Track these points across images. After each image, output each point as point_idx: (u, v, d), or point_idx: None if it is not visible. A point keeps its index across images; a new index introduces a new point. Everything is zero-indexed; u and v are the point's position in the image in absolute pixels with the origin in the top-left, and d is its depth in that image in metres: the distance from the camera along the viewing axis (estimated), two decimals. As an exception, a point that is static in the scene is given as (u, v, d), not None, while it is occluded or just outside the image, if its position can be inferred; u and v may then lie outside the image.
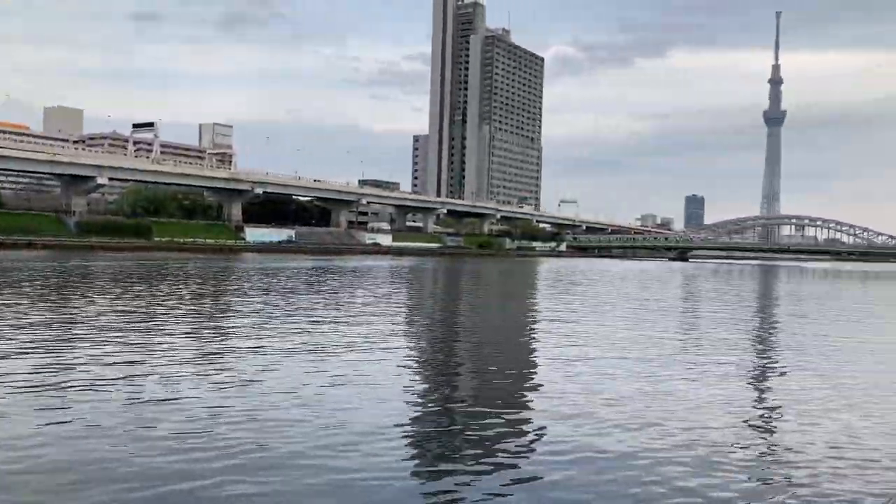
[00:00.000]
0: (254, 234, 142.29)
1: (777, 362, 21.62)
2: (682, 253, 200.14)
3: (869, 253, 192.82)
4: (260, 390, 13.77)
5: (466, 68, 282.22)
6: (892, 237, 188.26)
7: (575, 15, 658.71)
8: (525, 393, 15.27)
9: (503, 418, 12.61)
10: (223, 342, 20.28)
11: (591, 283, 66.51)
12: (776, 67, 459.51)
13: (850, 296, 62.97)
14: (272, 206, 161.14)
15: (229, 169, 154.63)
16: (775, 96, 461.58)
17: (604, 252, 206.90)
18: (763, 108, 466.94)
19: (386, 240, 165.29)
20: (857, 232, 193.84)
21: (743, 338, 27.47)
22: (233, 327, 24.02)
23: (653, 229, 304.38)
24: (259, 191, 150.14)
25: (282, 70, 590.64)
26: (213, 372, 15.47)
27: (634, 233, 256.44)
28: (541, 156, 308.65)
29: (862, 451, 11.03)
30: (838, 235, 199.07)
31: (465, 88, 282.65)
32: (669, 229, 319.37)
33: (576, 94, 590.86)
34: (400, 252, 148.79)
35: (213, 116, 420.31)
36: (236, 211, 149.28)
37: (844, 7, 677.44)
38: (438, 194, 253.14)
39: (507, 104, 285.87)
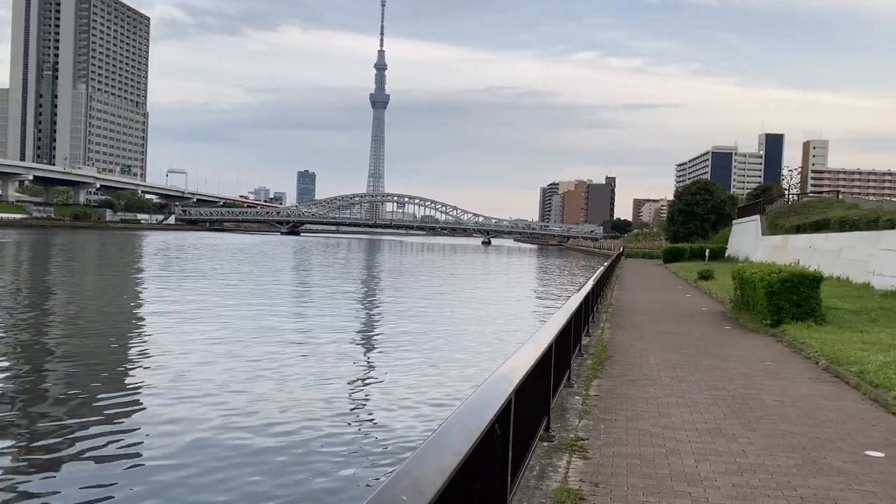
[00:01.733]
0: None
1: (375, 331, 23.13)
2: (294, 227, 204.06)
3: (457, 229, 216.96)
4: None
5: (57, 18, 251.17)
6: (475, 215, 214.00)
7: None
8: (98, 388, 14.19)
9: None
10: None
11: (197, 258, 64.34)
12: (381, 53, 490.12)
13: (441, 266, 70.18)
14: None
15: None
16: (380, 80, 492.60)
17: (216, 225, 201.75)
18: (370, 90, 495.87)
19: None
20: (448, 210, 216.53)
21: (344, 311, 28.86)
22: None
23: (266, 203, 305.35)
24: None
25: None
26: None
27: (247, 206, 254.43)
28: (147, 122, 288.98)
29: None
30: (433, 213, 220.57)
31: (57, 41, 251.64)
32: (281, 203, 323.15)
33: (185, 60, 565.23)
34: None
35: None
36: None
37: (446, 3, 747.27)
38: (23, 158, 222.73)
39: (107, 63, 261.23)
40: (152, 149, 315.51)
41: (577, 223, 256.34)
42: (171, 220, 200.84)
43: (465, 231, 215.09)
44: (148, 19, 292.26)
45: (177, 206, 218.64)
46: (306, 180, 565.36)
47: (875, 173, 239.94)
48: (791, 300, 17.10)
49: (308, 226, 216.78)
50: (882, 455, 7.24)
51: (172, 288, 35.35)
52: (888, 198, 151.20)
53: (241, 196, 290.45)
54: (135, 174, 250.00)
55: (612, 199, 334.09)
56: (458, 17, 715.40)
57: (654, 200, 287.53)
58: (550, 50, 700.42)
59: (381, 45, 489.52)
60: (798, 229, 42.47)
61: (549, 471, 6.30)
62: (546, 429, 7.24)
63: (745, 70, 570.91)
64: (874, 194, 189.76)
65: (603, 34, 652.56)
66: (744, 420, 8.54)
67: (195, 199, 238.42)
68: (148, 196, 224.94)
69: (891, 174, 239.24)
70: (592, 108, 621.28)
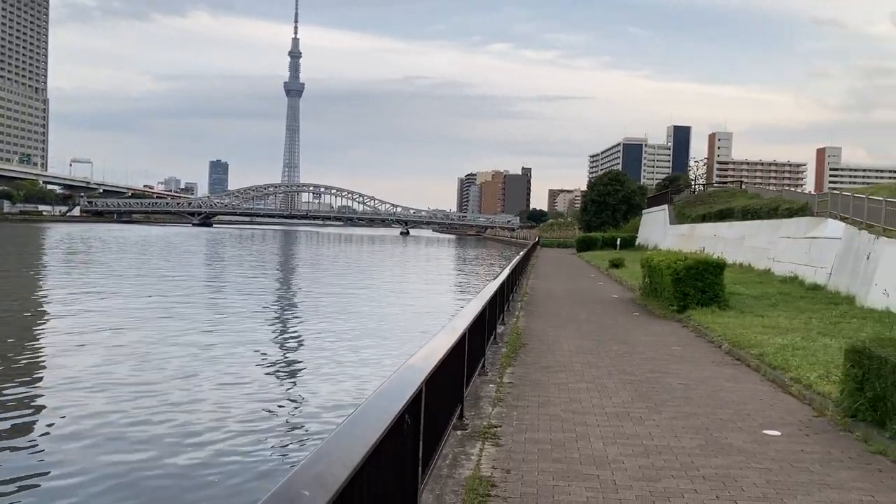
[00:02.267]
0: None
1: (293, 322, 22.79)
2: (206, 218, 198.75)
3: (375, 219, 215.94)
4: None
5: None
6: (393, 205, 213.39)
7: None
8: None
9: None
10: None
11: (101, 251, 62.03)
12: (296, 41, 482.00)
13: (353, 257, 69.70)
14: None
15: None
16: (294, 69, 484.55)
17: (124, 217, 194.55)
18: (284, 79, 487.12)
19: None
20: (365, 200, 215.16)
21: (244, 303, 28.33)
22: None
23: (177, 194, 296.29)
24: None
25: None
26: None
27: (157, 197, 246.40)
28: (48, 109, 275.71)
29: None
30: (350, 203, 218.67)
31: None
32: (193, 194, 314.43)
33: (89, 45, 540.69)
34: None
35: None
36: None
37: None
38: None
39: (1, 46, 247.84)
40: (54, 137, 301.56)
41: (494, 213, 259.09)
42: (76, 211, 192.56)
43: (383, 222, 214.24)
44: (47, 0, 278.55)
45: (82, 197, 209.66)
46: (219, 170, 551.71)
47: (776, 164, 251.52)
48: (696, 287, 17.76)
49: (221, 217, 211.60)
50: (779, 434, 7.60)
51: (70, 283, 33.95)
52: (787, 187, 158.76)
53: (146, 186, 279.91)
54: (35, 164, 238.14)
55: (529, 189, 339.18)
56: (374, 5, 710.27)
57: (569, 191, 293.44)
58: (466, 41, 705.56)
59: (296, 32, 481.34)
60: (704, 218, 44.10)
61: (462, 459, 6.34)
62: (460, 417, 7.29)
63: (654, 64, 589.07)
64: (775, 184, 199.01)
65: (518, 26, 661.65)
66: (650, 403, 8.81)
67: (102, 190, 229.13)
68: (50, 187, 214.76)
69: (790, 165, 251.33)
70: (508, 99, 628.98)
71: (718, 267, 18.22)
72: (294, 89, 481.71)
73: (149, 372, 14.98)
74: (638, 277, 24.59)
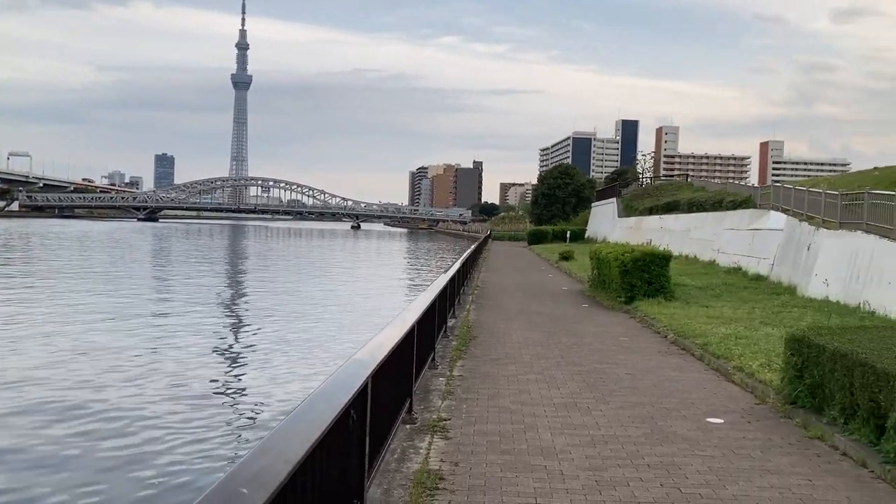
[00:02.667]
0: None
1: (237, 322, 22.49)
2: (151, 213, 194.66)
3: (325, 213, 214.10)
4: None
5: None
6: (344, 199, 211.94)
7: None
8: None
9: None
10: None
11: (39, 248, 60.31)
12: (243, 32, 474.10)
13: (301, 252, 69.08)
14: None
15: None
16: (242, 61, 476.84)
17: (66, 212, 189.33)
18: (231, 71, 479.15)
19: None
20: (315, 194, 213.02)
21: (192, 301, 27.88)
22: None
23: (121, 188, 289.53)
24: None
25: None
26: None
27: (101, 191, 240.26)
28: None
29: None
30: (300, 197, 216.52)
31: None
32: (138, 188, 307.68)
33: (25, 34, 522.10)
34: None
35: None
36: None
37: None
38: None
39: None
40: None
41: (446, 207, 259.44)
42: (15, 206, 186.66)
43: (333, 216, 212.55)
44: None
45: (20, 191, 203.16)
46: (165, 164, 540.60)
47: (721, 157, 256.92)
48: (643, 278, 18.04)
49: (167, 211, 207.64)
50: (721, 421, 7.76)
51: (6, 280, 32.95)
52: (732, 180, 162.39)
53: (85, 179, 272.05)
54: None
55: (480, 182, 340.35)
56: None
57: (520, 184, 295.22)
58: (416, 33, 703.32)
59: (243, 24, 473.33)
60: (651, 211, 44.81)
61: (411, 452, 6.33)
62: (409, 411, 7.26)
63: (601, 59, 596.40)
64: (720, 177, 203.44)
65: (467, 19, 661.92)
66: (598, 394, 8.92)
67: (41, 184, 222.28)
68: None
69: (735, 158, 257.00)
70: (458, 92, 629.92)
71: (664, 259, 18.54)
72: (241, 81, 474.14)
73: (84, 371, 14.61)
74: (587, 270, 24.89)
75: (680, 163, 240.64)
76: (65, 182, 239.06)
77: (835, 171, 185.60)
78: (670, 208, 40.75)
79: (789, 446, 6.90)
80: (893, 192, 16.72)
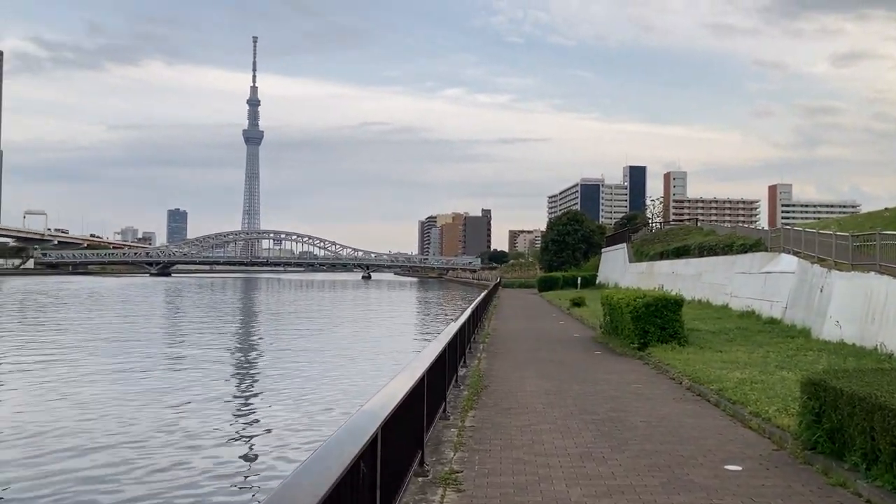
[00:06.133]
0: None
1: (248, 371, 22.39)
2: (164, 267, 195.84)
3: (336, 264, 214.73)
4: None
5: None
6: (354, 250, 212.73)
7: (36, 11, 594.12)
8: None
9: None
10: None
11: (54, 306, 60.67)
12: (254, 89, 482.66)
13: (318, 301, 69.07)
14: None
15: None
16: (253, 116, 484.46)
17: (79, 269, 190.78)
18: (243, 126, 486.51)
19: None
20: (326, 245, 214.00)
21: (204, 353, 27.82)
22: None
23: (134, 244, 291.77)
24: None
25: None
26: None
27: (113, 247, 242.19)
28: (1, 161, 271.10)
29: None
30: (311, 248, 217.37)
31: None
32: (150, 244, 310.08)
33: (40, 95, 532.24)
34: None
35: None
36: None
37: (315, 39, 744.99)
38: None
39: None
40: (7, 189, 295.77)
41: (455, 255, 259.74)
42: (30, 264, 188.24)
43: (344, 266, 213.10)
44: (0, 53, 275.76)
45: (36, 249, 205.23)
46: (177, 219, 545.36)
47: (730, 201, 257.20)
48: (655, 323, 17.90)
49: (180, 266, 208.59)
50: (740, 468, 7.60)
51: (18, 339, 33.05)
52: (742, 223, 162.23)
53: (92, 235, 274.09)
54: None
55: (489, 230, 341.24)
56: (327, 53, 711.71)
57: (529, 231, 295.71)
58: (420, 86, 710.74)
59: (254, 81, 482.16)
60: (662, 255, 44.71)
61: (423, 506, 6.21)
62: (420, 463, 7.16)
63: (603, 106, 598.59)
64: (729, 221, 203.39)
65: (469, 71, 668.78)
66: (613, 442, 8.78)
67: (56, 242, 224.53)
68: (3, 240, 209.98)
69: (744, 202, 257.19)
70: (465, 142, 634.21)
71: (677, 303, 18.42)
72: (253, 137, 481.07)
73: (94, 423, 14.53)
74: (599, 316, 24.73)
75: (689, 207, 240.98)
76: (78, 239, 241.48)
77: (844, 212, 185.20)
78: (681, 253, 40.65)
79: (811, 494, 6.74)
80: (905, 232, 16.63)
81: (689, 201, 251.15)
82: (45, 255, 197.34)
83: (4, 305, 57.74)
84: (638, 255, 52.03)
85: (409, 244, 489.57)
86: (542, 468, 7.59)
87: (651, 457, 8.08)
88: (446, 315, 52.34)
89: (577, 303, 37.17)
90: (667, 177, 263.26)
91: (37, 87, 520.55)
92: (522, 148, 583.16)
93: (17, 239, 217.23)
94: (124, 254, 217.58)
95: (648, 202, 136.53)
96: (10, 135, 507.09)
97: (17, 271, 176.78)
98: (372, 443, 4.12)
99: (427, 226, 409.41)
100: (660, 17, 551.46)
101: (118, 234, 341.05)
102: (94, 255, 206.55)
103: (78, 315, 46.63)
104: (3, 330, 36.83)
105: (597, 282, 62.14)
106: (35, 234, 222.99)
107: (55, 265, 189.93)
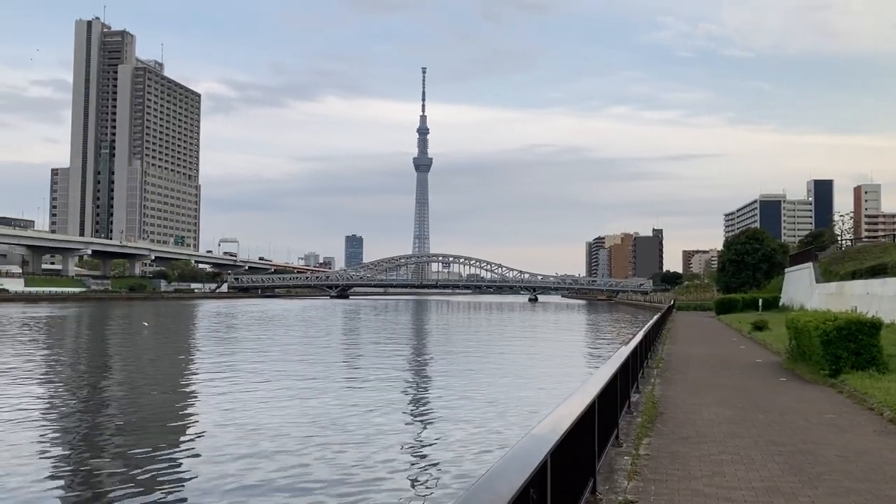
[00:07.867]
0: None
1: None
2: (343, 290, 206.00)
3: (503, 286, 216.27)
4: None
5: (114, 99, 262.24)
6: (521, 272, 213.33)
7: (225, 54, 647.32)
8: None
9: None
10: None
11: (245, 326, 65.09)
12: (423, 118, 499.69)
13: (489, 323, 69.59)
14: None
15: None
16: (423, 144, 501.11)
17: (267, 292, 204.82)
18: (413, 154, 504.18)
19: (16, 284, 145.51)
20: (492, 268, 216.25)
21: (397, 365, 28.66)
22: None
23: (315, 268, 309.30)
24: None
25: None
26: None
27: (297, 272, 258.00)
28: (199, 194, 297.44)
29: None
30: (478, 271, 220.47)
31: (114, 121, 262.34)
32: (330, 268, 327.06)
33: (231, 133, 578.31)
34: (35, 298, 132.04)
35: None
36: None
37: (480, 65, 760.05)
38: (82, 233, 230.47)
39: (161, 139, 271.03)
40: (204, 219, 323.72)
41: (625, 277, 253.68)
42: (224, 288, 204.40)
43: (511, 289, 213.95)
44: (198, 96, 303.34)
45: (229, 274, 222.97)
46: (354, 244, 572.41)
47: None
48: (849, 348, 16.44)
49: (356, 288, 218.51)
50: (957, 512, 6.76)
51: (221, 352, 35.70)
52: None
53: (291, 262, 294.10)
54: (188, 245, 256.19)
55: (661, 251, 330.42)
56: (491, 78, 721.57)
57: (704, 251, 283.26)
58: (584, 105, 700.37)
59: (423, 110, 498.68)
60: (854, 275, 41.23)
61: (596, 536, 6.00)
62: (592, 491, 6.94)
63: (781, 117, 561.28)
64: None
65: (635, 88, 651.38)
66: (804, 477, 8.09)
67: (247, 267, 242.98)
68: (201, 266, 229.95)
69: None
70: (632, 160, 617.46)
71: (874, 326, 16.81)
72: (423, 164, 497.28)
73: (297, 427, 15.35)
74: (783, 340, 23.10)
75: (885, 223, 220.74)
76: (266, 264, 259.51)
77: None
78: (877, 272, 37.24)
79: None
80: None
81: (884, 216, 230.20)
82: (237, 279, 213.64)
83: (210, 326, 62.84)
84: (826, 275, 48.26)
85: (576, 266, 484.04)
86: (723, 501, 7.12)
87: (849, 495, 7.36)
88: (618, 336, 51.03)
89: (759, 326, 34.98)
90: (857, 190, 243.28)
91: (227, 125, 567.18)
92: (694, 164, 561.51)
93: (213, 265, 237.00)
94: (307, 278, 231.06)
95: (837, 217, 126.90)
96: (206, 170, 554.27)
97: (213, 295, 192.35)
98: (542, 468, 4.02)
99: (595, 247, 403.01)
100: (842, 20, 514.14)
101: (301, 259, 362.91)
102: (280, 279, 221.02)
103: (286, 336, 49.86)
104: (206, 349, 40.06)
105: (780, 304, 58.27)
106: (228, 260, 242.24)
107: (246, 289, 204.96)
